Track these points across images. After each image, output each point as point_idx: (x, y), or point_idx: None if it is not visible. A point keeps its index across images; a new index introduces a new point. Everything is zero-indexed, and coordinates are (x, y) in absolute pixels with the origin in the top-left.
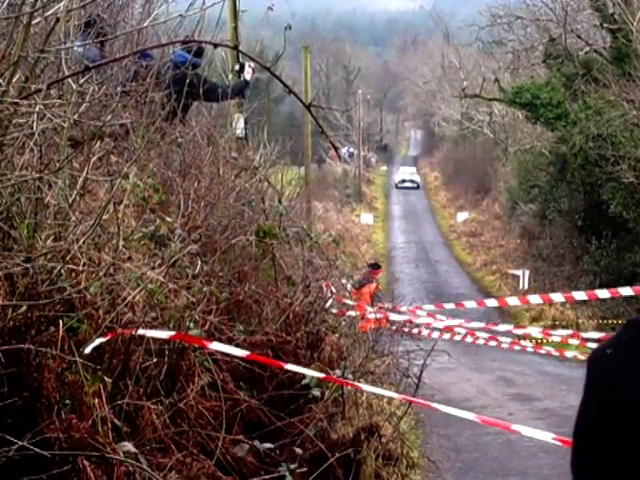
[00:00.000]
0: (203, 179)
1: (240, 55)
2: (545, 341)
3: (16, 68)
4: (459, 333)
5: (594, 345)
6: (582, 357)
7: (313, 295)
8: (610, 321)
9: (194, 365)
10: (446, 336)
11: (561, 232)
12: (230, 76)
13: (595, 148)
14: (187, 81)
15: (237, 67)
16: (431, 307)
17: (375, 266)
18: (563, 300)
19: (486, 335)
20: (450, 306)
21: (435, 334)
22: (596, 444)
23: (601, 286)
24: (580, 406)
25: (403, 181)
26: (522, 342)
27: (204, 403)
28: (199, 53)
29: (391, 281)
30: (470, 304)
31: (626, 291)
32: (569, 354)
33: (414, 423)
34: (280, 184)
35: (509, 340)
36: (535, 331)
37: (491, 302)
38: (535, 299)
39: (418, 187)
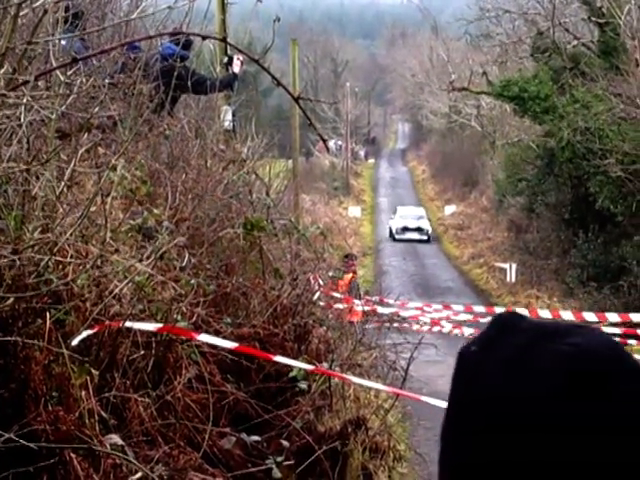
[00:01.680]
0: (191, 171)
1: (228, 47)
2: None
3: (4, 60)
4: (445, 327)
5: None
6: None
7: (300, 288)
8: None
9: (181, 358)
10: (434, 329)
11: (548, 225)
12: (218, 68)
13: (583, 142)
14: (175, 73)
15: (225, 60)
16: (418, 304)
17: (350, 257)
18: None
19: (472, 330)
20: (437, 307)
21: (423, 328)
22: (455, 441)
23: (588, 279)
24: (447, 405)
25: (405, 230)
26: None
27: (191, 395)
28: (187, 45)
29: (378, 274)
30: (458, 307)
31: (637, 317)
32: None
33: (401, 416)
34: (268, 177)
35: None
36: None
37: (479, 308)
38: (523, 312)
39: (429, 240)
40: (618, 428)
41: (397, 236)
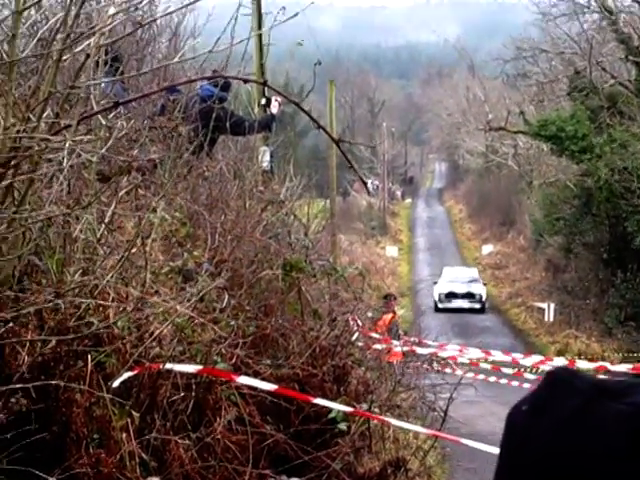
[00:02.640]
0: (230, 213)
1: (266, 89)
2: None
3: (46, 104)
4: (484, 368)
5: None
6: None
7: (339, 328)
8: (636, 354)
9: (221, 399)
10: (471, 374)
11: (586, 265)
12: (256, 110)
13: (620, 181)
14: (214, 115)
15: (263, 101)
16: (456, 346)
17: (390, 297)
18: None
19: (511, 371)
20: (476, 351)
21: (467, 375)
22: None
23: (627, 319)
24: (497, 466)
25: (451, 296)
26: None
27: (231, 437)
28: (226, 87)
29: (416, 314)
30: (498, 354)
31: None
32: None
33: (440, 457)
34: (306, 217)
35: (534, 377)
36: (561, 363)
37: (521, 357)
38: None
39: (483, 309)
40: None
41: (440, 305)
